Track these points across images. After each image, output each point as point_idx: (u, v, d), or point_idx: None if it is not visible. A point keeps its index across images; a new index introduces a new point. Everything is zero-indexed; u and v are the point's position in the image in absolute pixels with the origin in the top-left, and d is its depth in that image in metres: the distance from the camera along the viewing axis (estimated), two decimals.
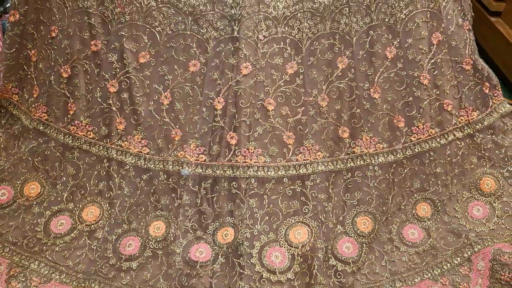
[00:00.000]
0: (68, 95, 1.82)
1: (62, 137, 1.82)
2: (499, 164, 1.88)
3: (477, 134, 1.88)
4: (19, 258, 1.66)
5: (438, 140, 1.86)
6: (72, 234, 1.74)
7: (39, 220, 1.76)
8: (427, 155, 1.85)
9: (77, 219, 1.78)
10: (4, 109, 1.95)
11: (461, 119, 1.88)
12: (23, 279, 1.59)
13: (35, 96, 1.88)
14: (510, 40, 2.38)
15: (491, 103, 1.88)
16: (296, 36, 1.76)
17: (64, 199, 1.81)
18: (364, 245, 1.74)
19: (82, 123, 1.81)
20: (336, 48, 1.78)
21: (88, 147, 1.81)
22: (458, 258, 1.70)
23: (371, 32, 1.79)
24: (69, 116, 1.82)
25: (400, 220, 1.83)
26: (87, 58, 1.79)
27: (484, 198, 1.86)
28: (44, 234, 1.73)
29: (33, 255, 1.67)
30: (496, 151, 1.88)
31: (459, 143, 1.88)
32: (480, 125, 1.88)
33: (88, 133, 1.81)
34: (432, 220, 1.83)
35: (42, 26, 1.85)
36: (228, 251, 1.71)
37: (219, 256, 1.71)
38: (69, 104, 1.82)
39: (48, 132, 1.84)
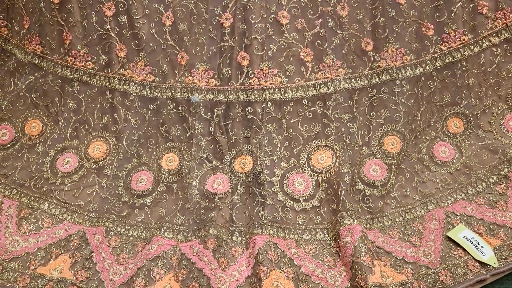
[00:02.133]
0: (62, 22, 1.67)
1: (60, 70, 1.70)
2: None
3: None
4: (28, 199, 1.59)
5: (472, 47, 1.69)
6: (80, 172, 1.65)
7: (44, 160, 1.67)
8: (459, 65, 1.69)
9: (83, 156, 1.68)
10: None
11: (498, 22, 1.69)
12: (34, 221, 1.53)
13: (26, 27, 1.74)
14: None
15: None
16: None
17: (68, 136, 1.70)
18: (393, 166, 1.62)
19: (80, 53, 1.67)
20: None
21: (88, 78, 1.69)
22: (494, 176, 1.59)
23: None
24: (65, 46, 1.68)
25: (430, 137, 1.70)
26: None
27: None
28: (51, 173, 1.65)
29: (42, 196, 1.59)
30: None
31: (495, 49, 1.70)
32: None
33: (87, 63, 1.68)
34: (465, 136, 1.71)
35: None
36: (247, 180, 1.61)
37: (238, 186, 1.61)
38: (64, 33, 1.67)
39: (45, 65, 1.71)
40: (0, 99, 1.74)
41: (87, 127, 1.70)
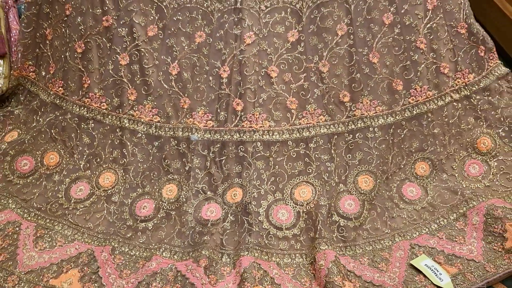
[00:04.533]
0: (83, 69, 1.88)
1: (78, 109, 1.89)
2: (495, 124, 1.92)
3: (474, 95, 1.92)
4: (44, 221, 1.74)
5: (436, 101, 1.91)
6: (91, 199, 1.81)
7: (59, 187, 1.83)
8: (425, 116, 1.90)
9: (94, 185, 1.84)
10: (22, 87, 2.03)
11: (458, 81, 1.92)
12: (49, 240, 1.67)
13: (51, 72, 1.95)
14: (507, 14, 2.37)
15: (487, 65, 1.93)
16: (297, 5, 1.81)
17: (81, 167, 1.88)
18: (365, 202, 1.79)
19: (96, 95, 1.87)
20: (335, 16, 1.82)
21: (102, 117, 1.88)
22: (454, 214, 1.75)
23: None
24: (83, 89, 1.89)
25: (400, 178, 1.88)
26: (99, 33, 1.86)
27: (480, 157, 1.90)
28: (65, 199, 1.81)
29: (56, 219, 1.75)
30: (492, 112, 1.92)
31: (456, 104, 1.92)
32: (476, 86, 1.92)
33: (102, 104, 1.88)
34: (430, 178, 1.89)
35: (57, 6, 1.91)
36: (237, 210, 1.77)
37: (229, 215, 1.77)
38: (84, 78, 1.88)
39: (64, 105, 1.91)
40: (23, 134, 1.92)
41: (98, 159, 1.88)
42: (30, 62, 2.01)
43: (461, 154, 1.93)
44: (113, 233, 1.73)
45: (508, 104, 1.93)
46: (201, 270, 1.58)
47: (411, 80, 1.89)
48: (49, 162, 1.89)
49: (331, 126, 1.85)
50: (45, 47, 1.97)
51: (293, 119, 1.84)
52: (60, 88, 1.93)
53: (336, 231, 1.73)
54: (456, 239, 1.67)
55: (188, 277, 1.56)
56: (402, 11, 1.86)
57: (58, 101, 1.93)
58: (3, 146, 1.89)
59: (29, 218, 1.75)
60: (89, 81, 1.89)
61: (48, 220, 1.75)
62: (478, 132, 1.94)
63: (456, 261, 1.60)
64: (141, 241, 1.72)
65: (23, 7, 2.09)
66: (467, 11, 1.91)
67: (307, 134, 1.83)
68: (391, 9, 1.85)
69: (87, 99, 1.89)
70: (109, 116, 1.88)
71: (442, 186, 1.86)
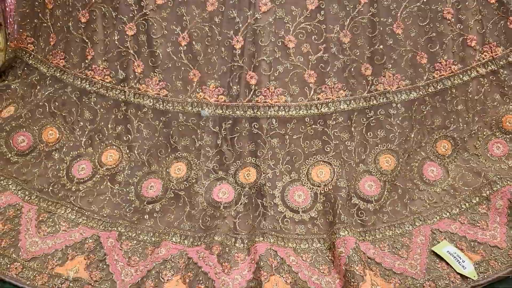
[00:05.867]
0: (87, 40, 1.75)
1: (79, 82, 1.76)
2: None
3: (501, 70, 1.79)
4: (46, 204, 1.64)
5: (461, 76, 1.78)
6: (94, 179, 1.70)
7: (60, 166, 1.72)
8: (449, 92, 1.77)
9: (97, 163, 1.72)
10: (20, 60, 1.89)
11: (485, 55, 1.79)
12: (52, 224, 1.57)
13: (52, 43, 1.81)
14: None
15: None
16: None
17: (82, 144, 1.75)
18: (387, 183, 1.68)
19: (100, 67, 1.74)
20: None
21: (105, 91, 1.75)
22: (477, 198, 1.65)
23: None
24: (86, 61, 1.75)
25: (420, 157, 1.76)
26: (105, 2, 1.72)
27: (505, 136, 1.79)
28: (67, 179, 1.70)
29: (59, 201, 1.64)
30: None
31: (482, 79, 1.79)
32: (504, 61, 1.79)
33: (105, 77, 1.74)
34: (452, 158, 1.78)
35: None
36: (250, 192, 1.65)
37: (242, 196, 1.65)
38: (87, 49, 1.75)
39: (65, 78, 1.78)
40: (20, 109, 1.79)
41: (101, 136, 1.75)
42: (28, 33, 1.87)
43: (484, 133, 1.81)
44: (119, 217, 1.62)
45: None
46: (214, 258, 1.48)
47: (436, 53, 1.76)
48: (48, 138, 1.77)
49: (352, 101, 1.72)
50: (44, 16, 1.83)
51: (311, 94, 1.70)
52: (61, 60, 1.79)
53: (355, 214, 1.62)
54: (479, 224, 1.59)
55: (200, 265, 1.46)
56: None
57: (58, 74, 1.79)
58: None
59: (30, 200, 1.64)
60: (93, 53, 1.75)
61: (50, 203, 1.64)
62: (504, 109, 1.81)
63: (478, 247, 1.51)
64: (148, 225, 1.60)
65: None
66: None
67: (326, 110, 1.70)
68: None
69: (90, 72, 1.76)
70: (113, 90, 1.75)
71: (464, 167, 1.75)
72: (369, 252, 1.50)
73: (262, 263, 1.43)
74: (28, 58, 1.87)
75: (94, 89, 1.76)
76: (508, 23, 1.78)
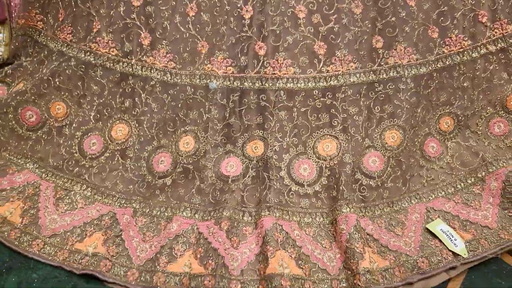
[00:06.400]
0: (94, 13, 1.72)
1: (83, 55, 1.73)
2: None
3: (511, 48, 1.76)
4: (62, 181, 1.66)
5: (470, 53, 1.75)
6: (105, 154, 1.70)
7: (72, 142, 1.71)
8: (457, 68, 1.74)
9: (107, 138, 1.71)
10: (30, 38, 1.86)
11: (496, 32, 1.76)
12: (69, 201, 1.60)
13: (60, 19, 1.78)
14: None
15: None
16: None
17: (91, 118, 1.73)
18: (391, 158, 1.66)
19: (104, 39, 1.70)
20: None
21: (111, 64, 1.71)
22: (472, 178, 1.67)
23: None
24: (92, 34, 1.72)
25: (423, 133, 1.74)
26: None
27: (508, 115, 1.77)
28: (80, 155, 1.70)
29: (74, 178, 1.66)
30: None
31: (490, 57, 1.76)
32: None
33: (111, 50, 1.71)
34: (453, 134, 1.77)
35: None
36: (258, 164, 1.63)
37: (250, 169, 1.64)
38: (94, 23, 1.71)
39: (70, 52, 1.74)
40: (26, 85, 1.76)
41: (109, 109, 1.72)
42: (37, 11, 1.84)
43: (488, 111, 1.79)
44: (133, 193, 1.63)
45: None
46: (223, 234, 1.50)
47: (447, 28, 1.73)
48: (56, 113, 1.76)
49: (362, 74, 1.69)
50: None
51: (321, 66, 1.67)
52: (69, 35, 1.76)
53: (357, 190, 1.62)
54: (472, 204, 1.62)
55: (210, 241, 1.48)
56: None
57: (64, 49, 1.76)
58: (3, 97, 1.75)
59: (47, 178, 1.67)
60: (99, 26, 1.72)
61: (66, 180, 1.67)
62: (510, 88, 1.79)
63: (470, 227, 1.54)
64: (161, 200, 1.62)
65: None
66: None
67: (335, 83, 1.66)
68: None
69: (94, 44, 1.72)
70: (120, 63, 1.72)
71: (463, 146, 1.75)
72: (368, 228, 1.52)
73: (268, 238, 1.44)
74: (38, 36, 1.84)
75: (100, 62, 1.72)
76: None
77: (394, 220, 1.59)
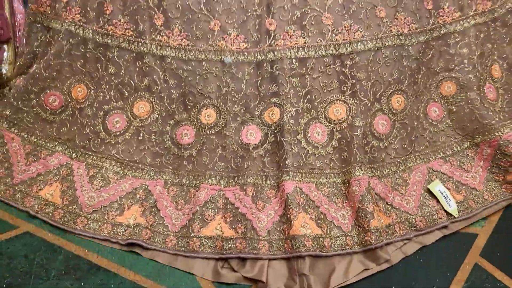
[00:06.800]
0: None
1: (101, 38, 1.78)
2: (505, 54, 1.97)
3: (490, 23, 1.92)
4: (92, 159, 1.74)
5: (462, 23, 1.87)
6: (129, 131, 1.77)
7: (95, 121, 1.78)
8: (452, 36, 1.86)
9: (130, 115, 1.78)
10: (40, 24, 1.90)
11: (479, 7, 1.90)
12: (102, 178, 1.69)
13: (65, 1, 1.82)
14: None
15: None
16: None
17: (112, 98, 1.80)
18: (396, 121, 1.78)
19: (121, 22, 1.76)
20: None
21: (127, 44, 1.78)
22: (468, 142, 1.82)
23: None
24: (105, 15, 1.77)
25: (426, 98, 1.86)
26: None
27: (494, 83, 1.94)
28: (106, 133, 1.77)
29: (103, 155, 1.74)
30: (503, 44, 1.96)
31: (480, 27, 1.90)
32: (490, 15, 1.92)
33: (127, 31, 1.77)
34: (455, 97, 1.89)
35: None
36: (276, 130, 1.72)
37: (269, 135, 1.73)
38: (105, 4, 1.77)
39: (81, 32, 1.79)
40: (43, 70, 1.81)
41: (129, 88, 1.79)
42: None
43: (483, 75, 1.92)
44: (161, 165, 1.73)
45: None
46: (249, 199, 1.61)
47: (439, 0, 1.85)
48: (77, 95, 1.82)
49: (369, 41, 1.78)
50: None
51: (329, 35, 1.76)
52: (77, 15, 1.80)
53: (369, 151, 1.74)
54: (464, 167, 1.79)
55: (237, 206, 1.60)
56: None
57: (72, 28, 1.80)
58: (22, 83, 1.82)
59: (77, 157, 1.75)
60: (111, 8, 1.77)
61: (95, 158, 1.75)
62: (492, 59, 1.95)
63: (461, 188, 1.72)
64: (188, 170, 1.72)
65: None
66: None
67: (344, 51, 1.76)
68: None
69: (111, 27, 1.78)
70: (135, 43, 1.78)
71: (467, 108, 1.87)
72: (377, 188, 1.67)
73: (290, 202, 1.57)
74: (46, 21, 1.88)
75: (116, 43, 1.78)
76: None
77: (399, 179, 1.72)
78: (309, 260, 1.49)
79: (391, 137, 1.77)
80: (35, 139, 1.80)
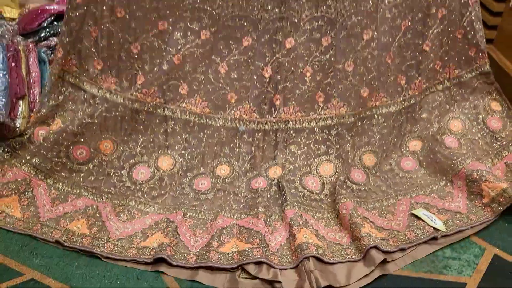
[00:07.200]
0: (138, 68, 2.05)
1: (131, 104, 2.06)
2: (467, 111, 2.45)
3: (453, 87, 2.41)
4: (118, 200, 1.97)
5: (427, 93, 2.36)
6: (153, 179, 2.06)
7: (122, 172, 2.05)
8: (418, 104, 2.34)
9: (154, 167, 2.09)
10: (62, 80, 2.08)
11: (444, 75, 2.38)
12: (127, 213, 1.91)
13: (99, 68, 2.06)
14: (503, 67, 2.55)
15: (473, 63, 2.40)
16: (332, 14, 2.08)
17: (138, 153, 2.09)
18: (369, 174, 2.21)
19: (150, 91, 2.06)
20: (363, 23, 2.12)
21: (155, 109, 2.09)
22: (443, 181, 2.15)
23: (394, 9, 2.15)
24: (137, 85, 2.06)
25: (397, 155, 2.30)
26: (155, 36, 2.03)
27: (454, 135, 2.39)
28: (131, 182, 2.04)
29: (128, 197, 1.99)
30: (463, 103, 2.45)
31: (439, 92, 2.39)
32: (457, 80, 2.40)
33: (155, 98, 2.08)
34: (423, 150, 2.30)
35: (104, 7, 2.00)
36: (278, 181, 2.12)
37: (273, 185, 2.11)
38: (138, 76, 2.06)
39: (115, 99, 2.06)
40: (67, 122, 2.02)
41: (154, 146, 2.10)
42: (71, 56, 2.07)
43: (440, 131, 2.39)
44: (180, 203, 1.99)
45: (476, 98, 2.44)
46: (262, 221, 1.84)
47: (413, 76, 2.29)
48: (104, 149, 2.07)
49: (351, 116, 2.21)
50: (89, 43, 2.05)
51: (320, 110, 2.19)
52: (113, 84, 2.06)
53: (351, 191, 2.10)
54: (446, 199, 2.03)
55: (251, 227, 1.83)
56: (416, 19, 2.22)
57: (108, 95, 2.06)
58: (51, 136, 2.00)
59: (102, 201, 1.96)
60: (143, 79, 2.06)
61: (121, 199, 1.98)
62: (449, 117, 2.43)
63: (446, 213, 1.94)
64: (204, 208, 1.99)
65: (42, 51, 2.24)
66: (469, 19, 2.32)
67: (330, 122, 2.20)
68: (409, 17, 2.19)
69: (141, 94, 2.07)
70: (162, 108, 2.10)
71: (433, 158, 2.26)
72: (365, 213, 1.92)
73: (292, 222, 1.84)
74: (71, 78, 2.09)
75: (145, 108, 2.09)
76: (470, 52, 2.36)
77: (385, 210, 1.99)
78: (314, 260, 1.68)
79: (368, 185, 2.16)
80: (61, 186, 1.96)
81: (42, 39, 2.37)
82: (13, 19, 2.51)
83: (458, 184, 2.10)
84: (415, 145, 2.36)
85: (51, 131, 2.04)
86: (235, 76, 2.12)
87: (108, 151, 2.08)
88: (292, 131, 2.18)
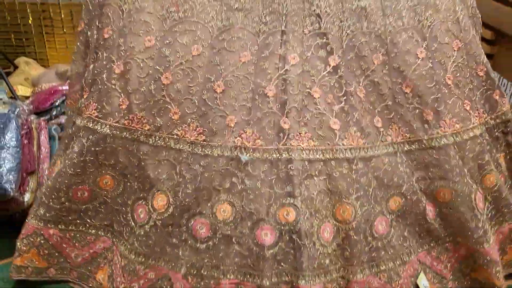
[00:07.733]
0: (120, 90, 1.79)
1: (118, 132, 1.80)
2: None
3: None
4: (124, 247, 1.78)
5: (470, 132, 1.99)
6: (150, 223, 1.77)
7: (126, 209, 1.83)
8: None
9: (150, 208, 1.78)
10: (70, 119, 1.96)
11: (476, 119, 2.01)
12: (131, 269, 1.73)
13: (85, 96, 1.84)
14: None
15: (498, 108, 2.06)
16: (337, 32, 1.88)
17: (136, 188, 1.82)
18: (393, 221, 1.94)
19: (137, 116, 1.78)
20: (372, 46, 1.91)
21: (145, 138, 1.79)
22: (451, 237, 1.99)
23: (403, 33, 1.94)
24: (121, 110, 1.79)
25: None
26: (140, 54, 1.79)
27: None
28: (133, 222, 1.80)
29: (131, 246, 1.77)
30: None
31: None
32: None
33: (144, 125, 1.79)
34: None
35: (95, 31, 1.85)
36: (290, 229, 1.74)
37: (283, 234, 1.74)
38: (121, 99, 1.79)
39: (99, 128, 1.80)
40: (69, 169, 1.82)
41: (149, 181, 1.80)
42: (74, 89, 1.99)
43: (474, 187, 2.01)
44: (179, 256, 1.74)
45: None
46: None
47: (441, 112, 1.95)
48: (104, 185, 1.86)
49: (369, 149, 1.88)
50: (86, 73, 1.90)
51: (337, 139, 1.84)
52: (94, 111, 1.81)
53: (368, 251, 1.86)
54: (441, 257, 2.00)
55: None
56: (432, 48, 1.96)
57: (91, 125, 1.81)
58: (51, 183, 1.83)
59: (116, 241, 1.85)
60: (127, 102, 1.79)
61: (126, 246, 1.80)
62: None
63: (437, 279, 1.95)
64: (206, 261, 1.72)
65: (53, 128, 2.42)
66: (484, 57, 2.05)
67: (349, 155, 1.84)
68: (423, 45, 1.95)
69: (127, 121, 1.80)
70: (152, 137, 1.81)
71: (456, 214, 1.94)
72: (373, 286, 1.79)
73: None
74: (73, 117, 1.93)
75: (134, 137, 1.80)
76: (494, 95, 2.05)
77: (394, 273, 1.84)
78: None
79: (390, 236, 1.87)
80: (74, 227, 1.88)
81: (53, 117, 2.55)
82: (27, 97, 2.73)
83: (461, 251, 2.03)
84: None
85: (49, 178, 1.90)
86: (233, 95, 1.81)
87: (109, 187, 1.88)
88: (306, 163, 1.81)
